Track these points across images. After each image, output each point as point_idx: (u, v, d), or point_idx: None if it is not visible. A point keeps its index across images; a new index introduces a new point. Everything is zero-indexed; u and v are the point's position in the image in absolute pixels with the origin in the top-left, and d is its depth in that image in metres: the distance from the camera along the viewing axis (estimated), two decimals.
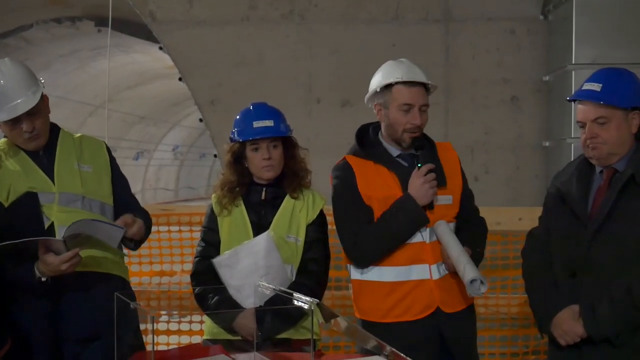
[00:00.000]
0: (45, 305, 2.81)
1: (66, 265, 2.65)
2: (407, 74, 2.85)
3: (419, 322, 2.83)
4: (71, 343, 2.86)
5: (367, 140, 2.97)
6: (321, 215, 3.04)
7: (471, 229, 2.98)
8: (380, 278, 2.87)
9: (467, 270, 2.73)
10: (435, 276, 2.84)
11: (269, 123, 2.95)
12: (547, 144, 5.51)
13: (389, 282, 2.86)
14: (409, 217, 2.80)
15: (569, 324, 2.61)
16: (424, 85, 2.87)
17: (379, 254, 2.86)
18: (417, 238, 2.84)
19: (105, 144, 3.07)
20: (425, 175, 2.79)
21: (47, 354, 2.83)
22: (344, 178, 2.91)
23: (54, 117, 3.01)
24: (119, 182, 3.01)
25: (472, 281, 2.72)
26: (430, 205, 2.82)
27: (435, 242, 2.85)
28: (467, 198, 3.00)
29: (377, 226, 2.84)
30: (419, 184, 2.79)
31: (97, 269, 2.86)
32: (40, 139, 2.85)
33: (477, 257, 2.88)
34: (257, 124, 2.94)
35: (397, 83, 2.84)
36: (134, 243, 2.93)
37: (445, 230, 2.83)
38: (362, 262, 2.91)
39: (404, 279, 2.84)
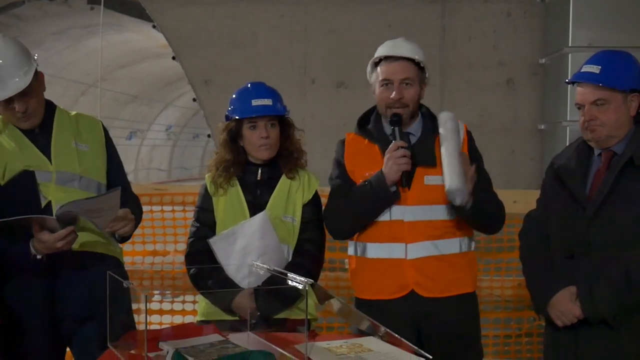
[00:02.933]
0: (41, 286, 2.80)
1: (61, 242, 2.62)
2: (389, 49, 2.86)
3: (393, 303, 2.81)
4: (68, 322, 2.86)
5: (369, 119, 2.97)
6: (316, 195, 3.04)
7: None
8: (363, 254, 2.89)
9: (447, 178, 2.70)
10: (411, 256, 2.80)
11: (267, 102, 2.95)
12: (543, 127, 5.50)
13: (370, 259, 2.87)
14: (375, 192, 2.78)
15: (566, 305, 2.61)
16: (412, 61, 2.83)
17: (347, 227, 2.90)
18: (396, 216, 2.81)
19: (102, 123, 3.03)
20: (394, 151, 2.76)
21: (44, 334, 2.83)
22: (337, 152, 2.98)
23: (46, 96, 2.96)
24: (113, 163, 2.97)
25: (449, 191, 2.68)
26: (404, 183, 2.77)
27: (414, 221, 2.79)
28: (477, 183, 2.79)
29: (347, 199, 2.86)
30: (385, 160, 2.77)
31: (93, 249, 2.84)
32: (34, 118, 2.82)
33: (477, 199, 2.74)
34: (255, 102, 2.94)
35: (380, 61, 2.86)
36: (121, 238, 2.86)
37: (447, 121, 2.77)
38: (335, 234, 2.97)
39: (382, 256, 2.84)
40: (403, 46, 2.86)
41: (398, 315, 2.77)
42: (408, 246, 2.80)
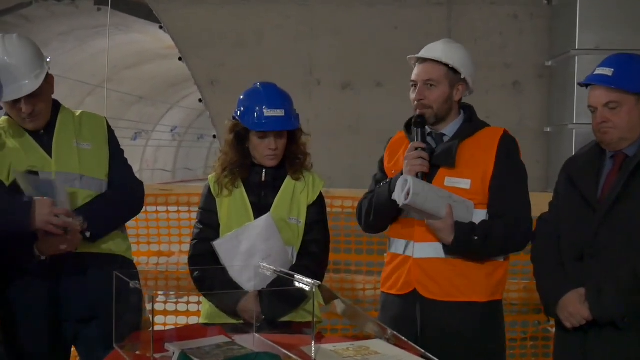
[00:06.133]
0: (45, 287, 2.80)
1: (65, 245, 2.64)
2: (421, 52, 2.89)
3: (400, 298, 2.84)
4: (71, 323, 2.86)
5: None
6: (320, 196, 3.04)
7: (489, 222, 2.76)
8: (389, 248, 2.95)
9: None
10: (417, 255, 2.80)
11: (280, 113, 2.88)
12: (549, 129, 5.48)
13: (390, 254, 2.93)
14: (390, 191, 2.78)
15: (575, 307, 2.61)
16: (442, 63, 2.83)
17: (371, 222, 2.95)
18: (407, 214, 2.83)
19: (106, 120, 3.03)
20: (411, 152, 2.77)
21: (48, 335, 2.83)
22: (384, 150, 3.03)
23: (53, 97, 2.96)
24: (115, 160, 2.97)
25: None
26: None
27: (423, 220, 2.77)
28: (498, 189, 2.78)
29: (371, 196, 2.93)
30: (404, 161, 2.79)
31: (96, 250, 2.84)
32: (40, 120, 2.82)
33: (465, 243, 2.71)
34: (268, 113, 2.87)
35: (415, 64, 2.91)
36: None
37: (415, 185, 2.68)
38: (364, 228, 3.03)
39: (398, 252, 2.88)
40: (434, 49, 2.88)
41: (400, 312, 2.81)
42: (415, 245, 2.81)
